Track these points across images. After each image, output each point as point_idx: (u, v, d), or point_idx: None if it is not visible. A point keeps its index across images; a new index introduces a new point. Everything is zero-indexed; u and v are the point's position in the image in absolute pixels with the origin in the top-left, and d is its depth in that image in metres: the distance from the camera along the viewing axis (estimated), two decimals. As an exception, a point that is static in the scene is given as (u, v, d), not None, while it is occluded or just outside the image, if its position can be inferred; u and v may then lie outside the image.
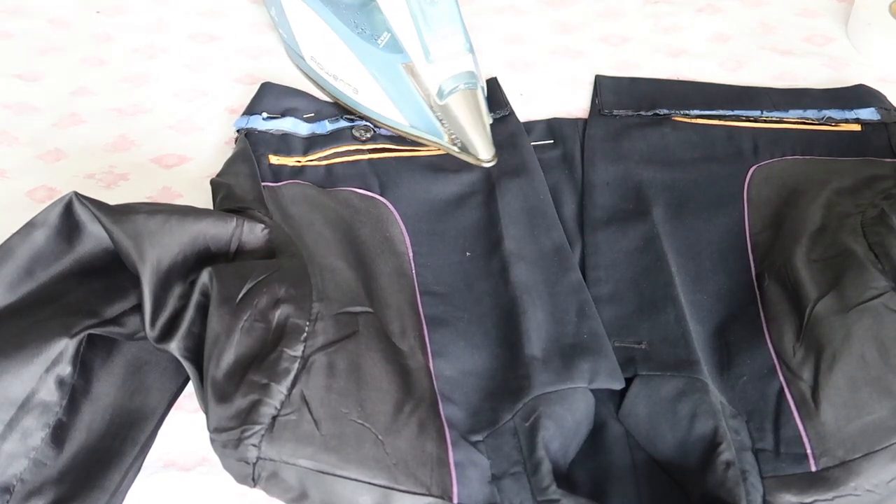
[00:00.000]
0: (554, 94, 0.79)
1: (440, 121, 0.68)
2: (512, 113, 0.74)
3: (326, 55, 0.73)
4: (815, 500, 0.49)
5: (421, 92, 0.68)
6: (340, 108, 0.75)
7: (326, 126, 0.72)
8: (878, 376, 0.51)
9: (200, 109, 0.78)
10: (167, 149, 0.74)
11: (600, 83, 0.79)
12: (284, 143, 0.70)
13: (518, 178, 0.66)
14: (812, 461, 0.50)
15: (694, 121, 0.73)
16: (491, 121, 0.71)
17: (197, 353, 0.52)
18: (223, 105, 0.78)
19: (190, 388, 0.56)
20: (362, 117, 0.72)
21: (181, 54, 0.84)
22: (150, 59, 0.83)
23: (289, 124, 0.71)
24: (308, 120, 0.72)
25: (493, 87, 0.78)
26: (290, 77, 0.79)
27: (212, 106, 0.78)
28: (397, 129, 0.70)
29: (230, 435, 0.48)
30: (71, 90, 0.79)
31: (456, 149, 0.69)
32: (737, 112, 0.74)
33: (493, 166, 0.68)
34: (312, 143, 0.70)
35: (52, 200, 0.55)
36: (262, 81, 0.78)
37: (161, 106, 0.78)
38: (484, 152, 0.68)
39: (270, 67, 0.82)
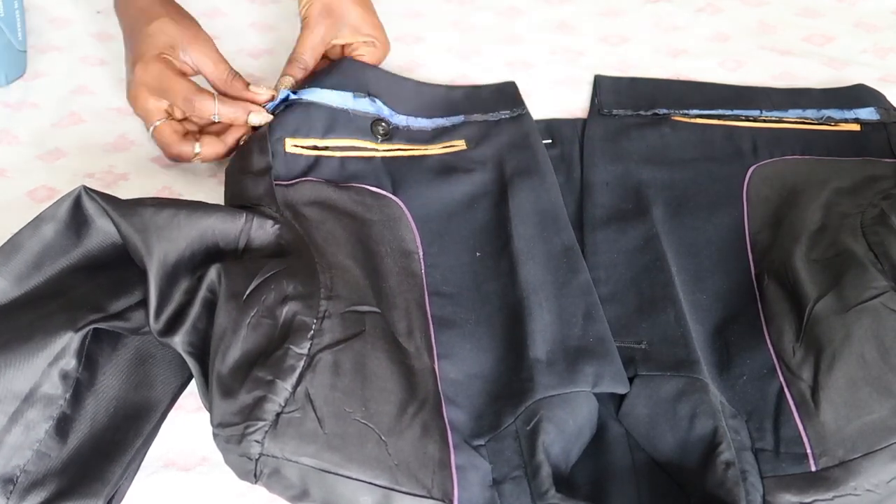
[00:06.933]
0: (553, 94, 0.79)
1: None
2: (527, 113, 0.74)
3: None
4: (815, 500, 0.49)
5: None
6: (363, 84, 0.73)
7: (351, 102, 0.70)
8: (878, 376, 0.51)
9: (200, 109, 0.78)
10: (167, 149, 0.74)
11: (600, 83, 0.79)
12: (306, 119, 0.68)
13: (530, 179, 0.66)
14: (812, 461, 0.50)
15: (693, 120, 0.73)
16: None
17: (200, 349, 0.52)
18: (223, 105, 0.78)
19: (191, 388, 0.56)
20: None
21: (181, 54, 0.84)
22: (149, 59, 0.83)
23: (316, 96, 0.69)
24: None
25: (510, 86, 0.77)
26: (290, 77, 0.79)
27: (212, 106, 0.78)
28: None
29: (234, 430, 0.48)
30: (71, 90, 0.79)
31: None
32: (736, 112, 0.74)
33: (507, 165, 0.67)
34: (334, 121, 0.68)
35: (52, 200, 0.55)
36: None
37: (161, 106, 0.78)
38: None
39: (270, 67, 0.82)
